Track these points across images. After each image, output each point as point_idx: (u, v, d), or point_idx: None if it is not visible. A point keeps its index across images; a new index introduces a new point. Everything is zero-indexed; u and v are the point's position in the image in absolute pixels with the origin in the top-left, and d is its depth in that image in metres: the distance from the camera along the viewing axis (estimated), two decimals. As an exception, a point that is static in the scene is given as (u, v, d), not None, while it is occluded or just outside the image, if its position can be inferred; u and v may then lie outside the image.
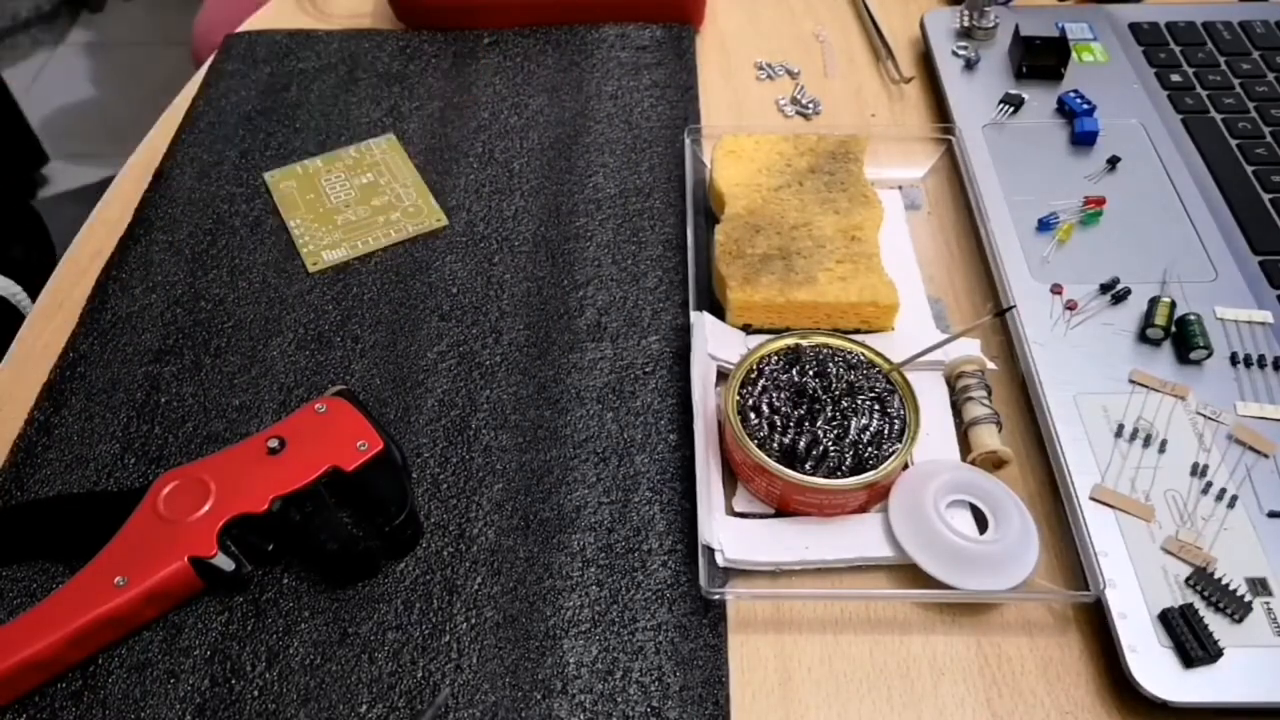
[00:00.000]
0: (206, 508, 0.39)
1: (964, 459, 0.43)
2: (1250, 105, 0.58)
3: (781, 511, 0.42)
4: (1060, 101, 0.57)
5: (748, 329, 0.48)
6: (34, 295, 0.52)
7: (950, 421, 0.45)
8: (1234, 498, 0.41)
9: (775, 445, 0.40)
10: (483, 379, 0.47)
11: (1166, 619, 0.37)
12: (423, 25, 0.65)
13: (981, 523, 0.41)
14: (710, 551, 0.40)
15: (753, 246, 0.48)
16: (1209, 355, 0.45)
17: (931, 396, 0.45)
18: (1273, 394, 0.44)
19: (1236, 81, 0.59)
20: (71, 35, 1.99)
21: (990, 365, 0.46)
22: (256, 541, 0.40)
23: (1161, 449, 0.42)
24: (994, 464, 0.43)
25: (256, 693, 0.37)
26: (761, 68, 0.64)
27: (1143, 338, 0.46)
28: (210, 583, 0.39)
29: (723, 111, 0.61)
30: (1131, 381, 0.45)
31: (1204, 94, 0.59)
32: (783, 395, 0.42)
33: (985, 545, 0.39)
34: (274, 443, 0.41)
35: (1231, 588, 0.38)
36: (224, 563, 0.39)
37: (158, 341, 0.48)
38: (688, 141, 0.54)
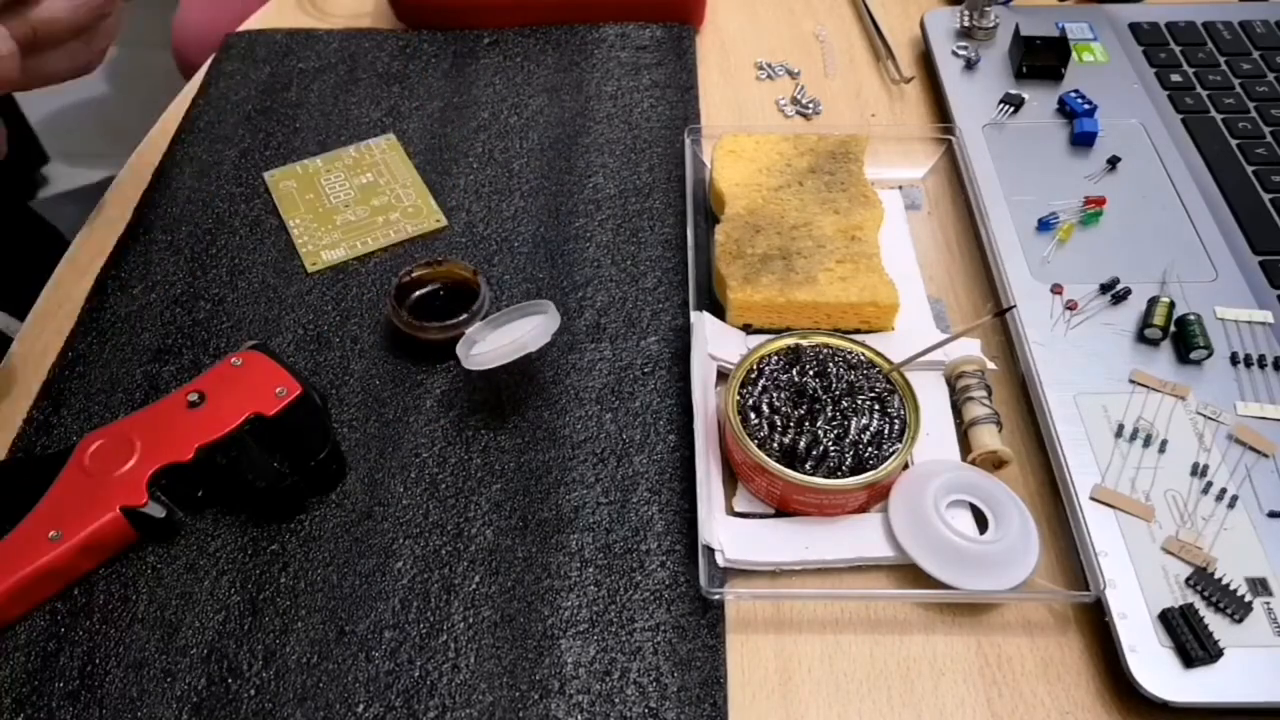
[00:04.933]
0: (133, 461, 0.40)
1: (964, 459, 0.43)
2: (1250, 105, 0.58)
3: (781, 511, 0.42)
4: (1060, 101, 0.57)
5: (748, 329, 0.47)
6: (33, 297, 0.52)
7: (950, 421, 0.44)
8: (1234, 498, 0.41)
9: (775, 445, 0.40)
10: (481, 379, 0.47)
11: (1166, 619, 0.37)
12: (423, 25, 0.65)
13: (981, 523, 0.41)
14: (710, 551, 0.39)
15: (753, 246, 0.48)
16: (1209, 355, 0.45)
17: (931, 396, 0.45)
18: (1273, 394, 0.44)
19: (1236, 81, 0.59)
20: (72, 36, 1.99)
21: (990, 365, 0.46)
22: (185, 488, 0.41)
23: (1161, 449, 0.42)
24: (994, 464, 0.43)
25: (253, 691, 0.37)
26: (761, 68, 0.64)
27: (1142, 338, 0.46)
28: (143, 532, 0.40)
29: (723, 111, 0.61)
30: (1132, 381, 0.45)
31: (1204, 94, 0.59)
32: (783, 395, 0.42)
33: (985, 545, 0.39)
34: (194, 396, 0.42)
35: (1232, 588, 0.38)
36: (155, 510, 0.40)
37: (157, 341, 0.48)
38: (688, 141, 0.54)
